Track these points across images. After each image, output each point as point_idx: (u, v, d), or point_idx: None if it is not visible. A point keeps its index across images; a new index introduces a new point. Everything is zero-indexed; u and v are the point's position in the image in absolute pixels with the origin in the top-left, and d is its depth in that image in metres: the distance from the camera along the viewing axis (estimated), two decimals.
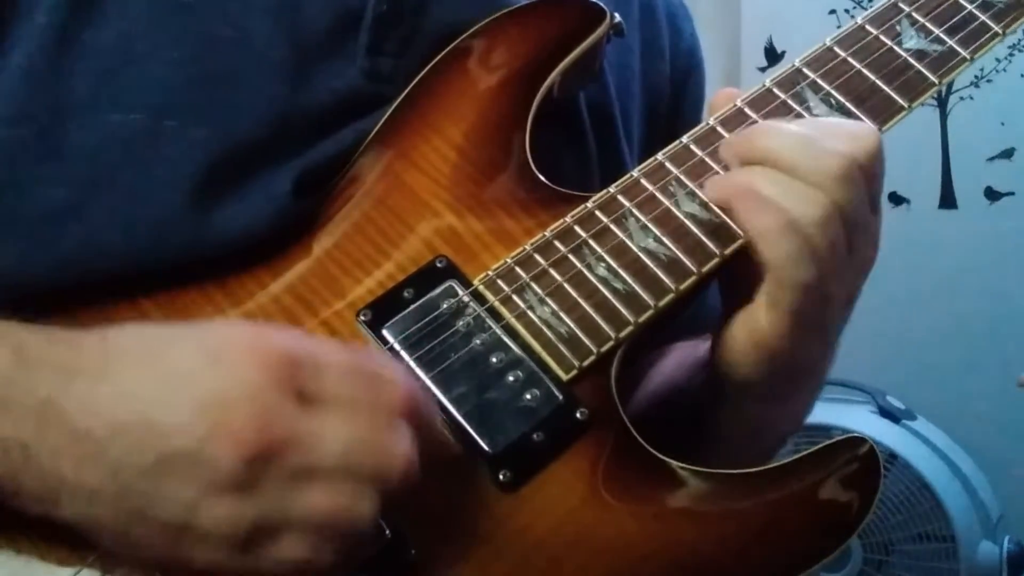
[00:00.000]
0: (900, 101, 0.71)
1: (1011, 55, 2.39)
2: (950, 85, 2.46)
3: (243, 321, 0.64)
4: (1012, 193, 2.45)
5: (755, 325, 0.66)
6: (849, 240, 0.64)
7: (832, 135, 0.65)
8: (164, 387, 0.53)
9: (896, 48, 0.72)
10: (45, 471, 0.53)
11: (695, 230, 0.67)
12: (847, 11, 2.42)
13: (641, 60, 0.87)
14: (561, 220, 0.68)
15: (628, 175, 0.70)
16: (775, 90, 0.71)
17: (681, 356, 0.80)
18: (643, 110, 0.87)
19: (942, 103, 2.46)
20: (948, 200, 2.49)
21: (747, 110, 0.70)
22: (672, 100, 0.90)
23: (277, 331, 0.58)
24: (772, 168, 0.64)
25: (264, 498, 0.52)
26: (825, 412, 2.10)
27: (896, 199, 2.50)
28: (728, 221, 0.66)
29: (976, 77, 2.42)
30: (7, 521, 0.57)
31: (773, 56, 2.53)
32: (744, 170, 0.66)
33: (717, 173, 0.68)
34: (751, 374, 0.67)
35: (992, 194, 2.46)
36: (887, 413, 2.17)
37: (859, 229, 0.65)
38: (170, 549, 0.53)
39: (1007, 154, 2.44)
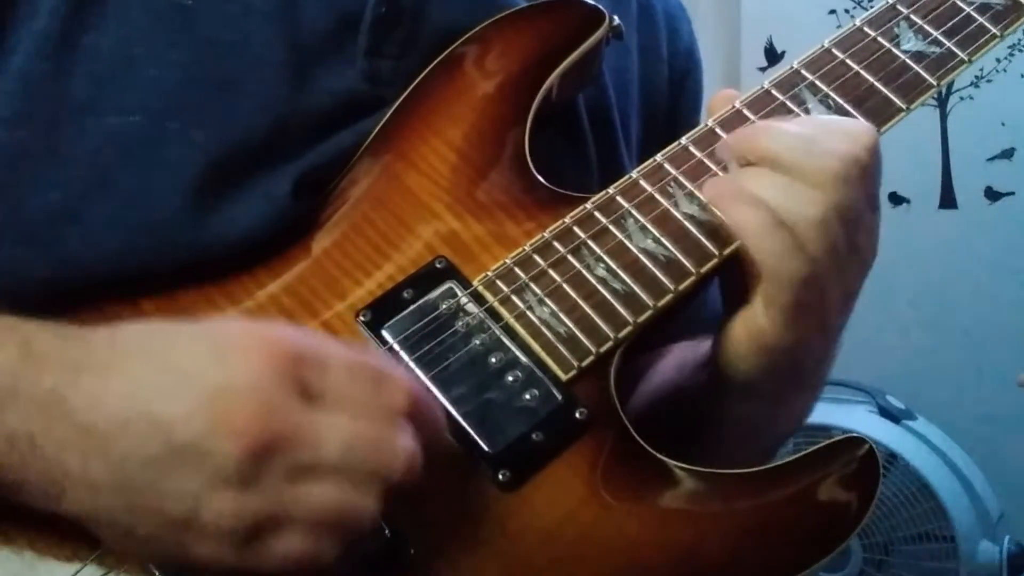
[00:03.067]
0: (898, 103, 0.70)
1: (1011, 55, 2.39)
2: (950, 85, 2.45)
3: (248, 317, 0.65)
4: (1012, 193, 2.45)
5: (754, 324, 0.66)
6: (850, 240, 0.64)
7: (830, 134, 0.65)
8: (169, 381, 0.54)
9: (894, 50, 0.72)
10: (50, 464, 0.54)
11: (694, 231, 0.67)
12: (847, 11, 2.43)
13: (639, 61, 0.87)
14: (560, 221, 0.68)
15: (627, 176, 0.70)
16: (773, 91, 0.71)
17: (682, 356, 0.80)
18: (641, 110, 0.87)
19: (942, 103, 2.46)
20: (948, 200, 2.49)
21: (746, 111, 0.70)
22: (670, 100, 0.90)
23: (282, 327, 0.58)
24: (771, 169, 0.64)
25: (265, 493, 0.52)
26: (825, 412, 2.09)
27: (896, 199, 2.50)
28: (726, 222, 0.66)
29: (976, 77, 2.42)
30: (6, 517, 0.57)
31: (773, 56, 2.53)
32: (743, 172, 0.66)
33: (716, 174, 0.68)
34: (751, 373, 0.67)
35: (992, 194, 2.46)
36: (887, 413, 2.17)
37: (859, 228, 0.65)
38: (172, 544, 0.53)
39: (1007, 154, 2.44)
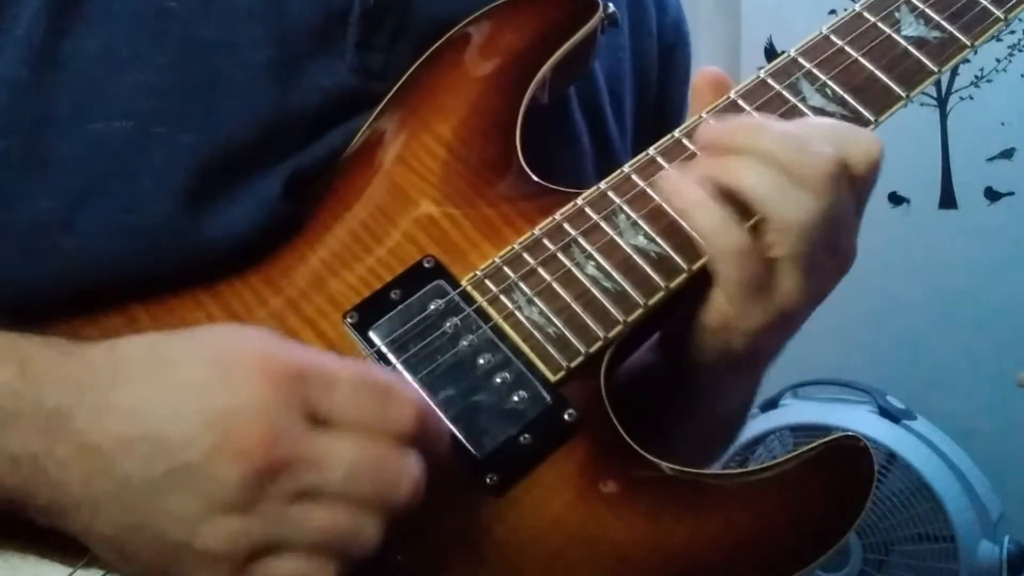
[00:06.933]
0: (898, 91, 0.68)
1: (1011, 55, 2.39)
2: (950, 85, 2.45)
3: (254, 332, 0.62)
4: (1012, 193, 2.45)
5: (716, 308, 0.65)
6: (830, 243, 0.63)
7: (827, 136, 0.63)
8: (173, 401, 0.53)
9: (895, 36, 0.70)
10: (54, 483, 0.53)
11: (686, 227, 0.65)
12: (847, 11, 2.42)
13: (630, 39, 0.86)
14: (550, 218, 0.67)
15: (619, 171, 0.68)
16: (769, 81, 0.70)
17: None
18: (634, 89, 0.86)
19: (942, 103, 2.46)
20: (948, 200, 2.49)
21: (741, 102, 0.69)
22: (660, 74, 0.89)
23: (288, 345, 0.57)
24: (761, 162, 0.62)
25: (265, 517, 0.51)
26: (825, 412, 2.10)
27: (896, 199, 2.50)
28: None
29: (976, 77, 2.42)
30: (5, 528, 0.57)
31: (773, 56, 2.51)
32: (728, 159, 0.63)
33: None
34: (708, 356, 0.67)
35: (992, 194, 2.46)
36: (887, 413, 2.17)
37: (842, 232, 0.64)
38: (169, 569, 0.53)
39: (1007, 154, 2.44)
